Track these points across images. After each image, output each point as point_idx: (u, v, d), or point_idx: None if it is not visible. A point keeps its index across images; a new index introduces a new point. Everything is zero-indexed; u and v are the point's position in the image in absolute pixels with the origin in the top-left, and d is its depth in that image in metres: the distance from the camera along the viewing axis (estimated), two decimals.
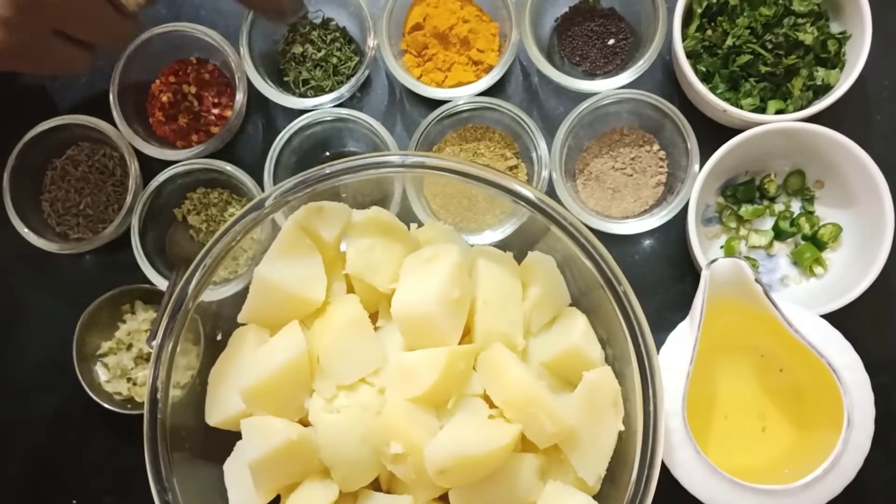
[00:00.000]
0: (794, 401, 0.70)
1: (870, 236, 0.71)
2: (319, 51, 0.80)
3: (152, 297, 0.81)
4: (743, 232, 0.78)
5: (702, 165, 0.72)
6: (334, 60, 0.80)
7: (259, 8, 0.66)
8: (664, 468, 0.60)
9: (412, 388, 0.59)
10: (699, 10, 0.75)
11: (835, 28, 0.75)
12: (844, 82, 0.72)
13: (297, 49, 0.80)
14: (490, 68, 0.77)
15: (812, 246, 0.75)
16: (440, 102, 0.76)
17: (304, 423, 0.62)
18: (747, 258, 0.77)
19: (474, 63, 0.79)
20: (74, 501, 0.81)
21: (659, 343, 0.63)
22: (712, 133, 0.75)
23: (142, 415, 0.60)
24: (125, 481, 0.80)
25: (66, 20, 0.58)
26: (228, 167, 0.77)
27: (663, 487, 0.58)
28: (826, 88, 0.74)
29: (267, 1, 0.66)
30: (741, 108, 0.73)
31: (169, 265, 0.79)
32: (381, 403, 0.60)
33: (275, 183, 0.76)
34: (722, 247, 0.77)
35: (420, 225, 0.70)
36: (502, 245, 0.68)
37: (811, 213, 0.77)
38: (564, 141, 0.75)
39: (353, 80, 0.77)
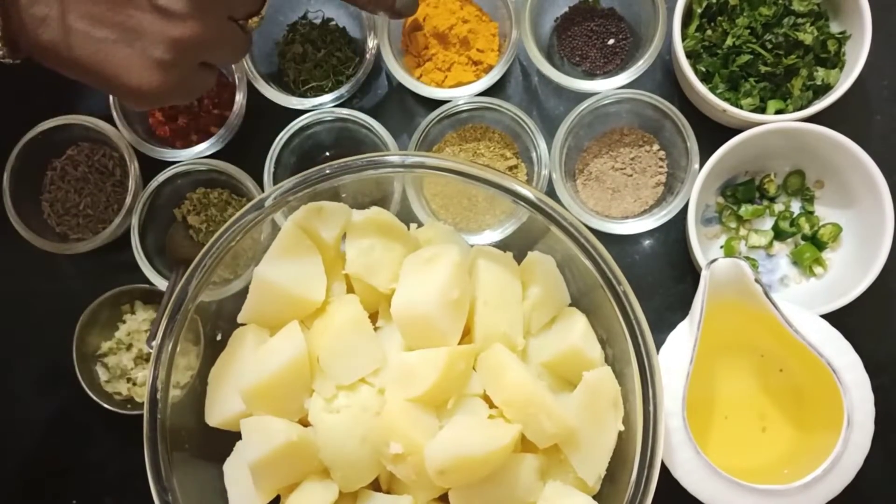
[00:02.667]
0: (794, 401, 0.70)
1: (870, 236, 0.71)
2: (319, 51, 0.80)
3: (152, 297, 0.81)
4: (743, 232, 0.78)
5: (702, 165, 0.72)
6: (334, 60, 0.80)
7: (370, 7, 0.67)
8: (664, 468, 0.60)
9: (412, 388, 0.59)
10: (699, 10, 0.75)
11: (835, 28, 0.75)
12: (844, 82, 0.72)
13: (297, 49, 0.80)
14: (490, 68, 0.77)
15: (812, 246, 0.75)
16: (440, 102, 0.76)
17: (304, 423, 0.62)
18: (747, 258, 0.77)
19: (474, 63, 0.79)
20: (74, 501, 0.81)
21: (659, 343, 0.63)
22: (712, 133, 0.75)
23: (142, 415, 0.60)
24: (125, 481, 0.80)
25: (213, 53, 0.60)
26: (228, 167, 0.77)
27: (663, 488, 0.58)
28: (826, 88, 0.74)
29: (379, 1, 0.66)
30: (741, 108, 0.73)
31: (169, 265, 0.79)
32: (380, 403, 0.60)
33: (275, 183, 0.76)
34: (722, 247, 0.77)
35: (420, 225, 0.70)
36: (502, 245, 0.68)
37: (811, 213, 0.77)
38: (564, 141, 0.75)
39: (353, 80, 0.77)
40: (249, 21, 0.62)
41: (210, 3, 0.57)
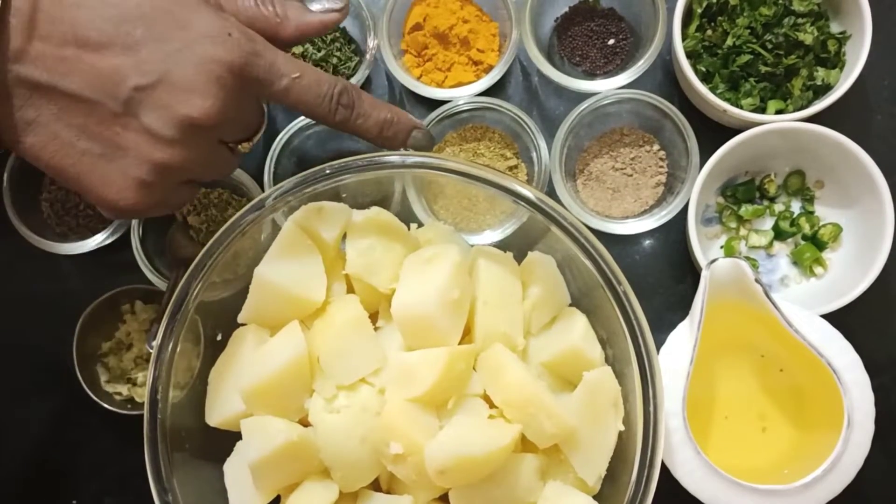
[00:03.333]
0: (794, 401, 0.70)
1: (870, 236, 0.71)
2: (319, 51, 0.80)
3: (152, 297, 0.81)
4: (743, 232, 0.78)
5: (702, 165, 0.72)
6: (334, 60, 0.80)
7: (379, 144, 0.67)
8: (664, 468, 0.60)
9: (412, 388, 0.59)
10: (699, 10, 0.75)
11: (835, 28, 0.75)
12: (844, 82, 0.72)
13: (297, 49, 0.80)
14: (490, 68, 0.77)
15: (812, 246, 0.75)
16: (440, 102, 0.76)
17: (305, 423, 0.62)
18: (747, 258, 0.77)
19: (474, 63, 0.79)
20: (74, 502, 0.81)
21: (659, 343, 0.63)
22: (712, 133, 0.75)
23: (142, 415, 0.60)
24: (125, 482, 0.80)
25: (197, 174, 0.59)
26: None
27: (663, 488, 0.58)
28: (826, 88, 0.74)
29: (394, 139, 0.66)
30: (741, 108, 0.73)
31: (169, 265, 0.79)
32: (381, 404, 0.60)
33: (275, 183, 0.76)
34: (722, 247, 0.77)
35: (420, 225, 0.70)
36: (502, 245, 0.68)
37: (811, 213, 0.77)
38: (564, 141, 0.75)
39: (353, 80, 0.77)
40: (240, 146, 0.62)
41: (199, 131, 0.56)
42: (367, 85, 0.81)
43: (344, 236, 0.65)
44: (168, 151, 0.56)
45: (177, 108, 0.55)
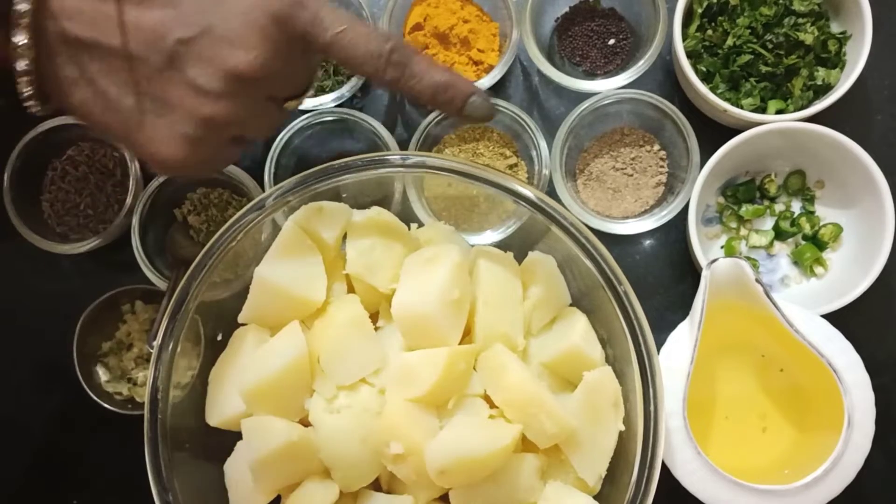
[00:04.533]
0: (794, 401, 0.70)
1: (870, 236, 0.71)
2: None
3: (152, 297, 0.80)
4: (743, 232, 0.78)
5: (702, 165, 0.72)
6: (335, 60, 0.80)
7: (433, 106, 0.63)
8: (664, 468, 0.60)
9: (412, 388, 0.59)
10: (699, 10, 0.75)
11: (835, 28, 0.75)
12: (845, 82, 0.72)
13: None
14: (490, 68, 0.77)
15: (812, 246, 0.75)
16: None
17: (305, 423, 0.62)
18: (748, 258, 0.77)
19: (474, 63, 0.79)
20: (75, 502, 0.81)
21: (659, 343, 0.63)
22: (712, 133, 0.75)
23: (142, 415, 0.60)
24: (125, 481, 0.79)
25: (244, 130, 0.58)
26: (228, 167, 0.77)
27: (664, 488, 0.58)
28: (826, 88, 0.74)
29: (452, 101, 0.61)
30: (741, 108, 0.73)
31: (169, 265, 0.79)
32: (381, 404, 0.60)
33: (275, 183, 0.76)
34: (722, 247, 0.77)
35: (420, 225, 0.70)
36: (503, 245, 0.68)
37: (811, 213, 0.77)
38: (565, 141, 0.75)
39: (353, 80, 0.77)
40: (288, 103, 0.60)
41: (246, 84, 0.55)
42: (367, 85, 0.81)
43: (344, 236, 0.65)
44: (214, 105, 0.55)
45: (222, 61, 0.54)
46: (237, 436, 0.63)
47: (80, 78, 0.54)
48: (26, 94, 0.54)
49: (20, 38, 0.52)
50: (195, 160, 0.57)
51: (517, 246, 0.68)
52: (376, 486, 0.63)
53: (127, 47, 0.53)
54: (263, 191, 0.77)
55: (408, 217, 0.69)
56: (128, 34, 0.53)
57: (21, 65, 0.53)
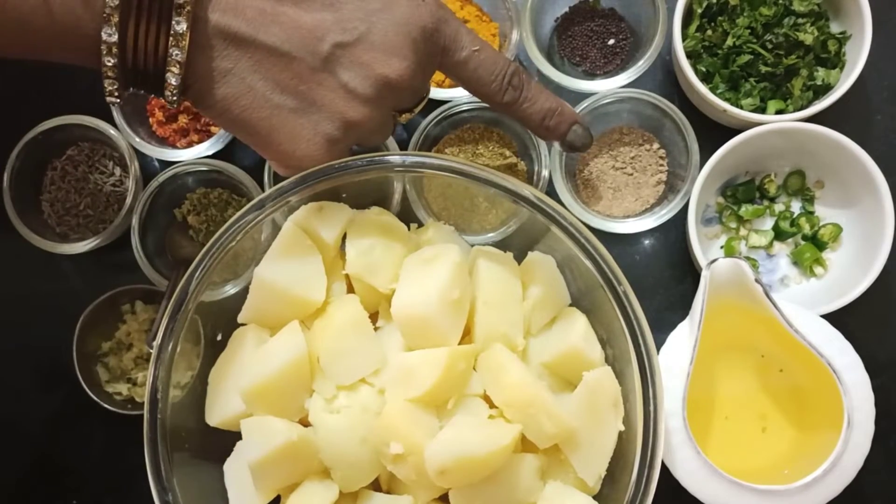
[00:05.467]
0: (794, 401, 0.70)
1: (870, 236, 0.71)
2: None
3: (152, 297, 0.81)
4: (743, 232, 0.78)
5: (702, 165, 0.72)
6: None
7: (541, 135, 0.67)
8: (664, 468, 0.60)
9: (412, 388, 0.59)
10: (699, 10, 0.75)
11: (835, 28, 0.75)
12: (844, 82, 0.72)
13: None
14: None
15: (812, 246, 0.75)
16: (440, 102, 0.76)
17: (305, 423, 0.62)
18: (747, 258, 0.77)
19: None
20: (74, 501, 0.81)
21: (659, 343, 0.63)
22: (712, 133, 0.75)
23: (142, 415, 0.60)
24: (125, 481, 0.80)
25: (369, 137, 0.60)
26: (228, 167, 0.77)
27: (663, 488, 0.58)
28: (826, 88, 0.74)
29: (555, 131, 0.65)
30: (741, 108, 0.73)
31: (169, 265, 0.79)
32: (381, 404, 0.60)
33: (274, 183, 0.76)
34: (722, 247, 0.77)
35: (420, 225, 0.70)
36: (503, 245, 0.68)
37: (811, 213, 0.77)
38: None
39: None
40: (402, 115, 0.63)
41: (388, 94, 0.57)
42: None
43: (344, 236, 0.65)
44: (361, 110, 0.56)
45: (375, 68, 0.55)
46: (237, 436, 0.63)
47: (231, 72, 0.55)
48: (172, 85, 0.54)
49: (181, 27, 0.52)
50: (327, 159, 0.58)
51: (517, 246, 0.68)
52: (376, 486, 0.63)
53: (283, 45, 0.54)
54: (263, 191, 0.77)
55: (408, 217, 0.69)
56: (286, 32, 0.54)
57: (175, 54, 0.53)
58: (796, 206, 0.78)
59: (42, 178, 0.82)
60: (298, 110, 0.56)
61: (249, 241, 0.64)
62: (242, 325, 0.66)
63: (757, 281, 0.63)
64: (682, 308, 0.71)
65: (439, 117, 0.76)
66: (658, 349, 0.60)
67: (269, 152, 0.59)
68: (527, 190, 0.61)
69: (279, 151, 0.58)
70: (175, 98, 0.55)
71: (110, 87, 0.55)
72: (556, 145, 0.70)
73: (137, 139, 0.78)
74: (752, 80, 0.74)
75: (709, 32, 0.75)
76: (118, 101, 0.56)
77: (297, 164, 0.58)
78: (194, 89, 0.56)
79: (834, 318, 0.67)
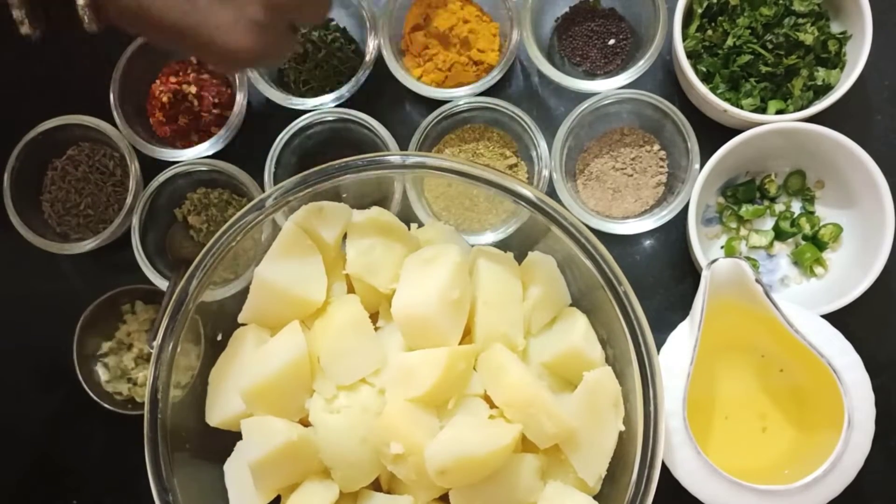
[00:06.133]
0: (794, 401, 0.70)
1: (870, 236, 0.71)
2: (320, 51, 0.79)
3: (152, 297, 0.81)
4: (743, 232, 0.78)
5: (702, 165, 0.72)
6: (335, 60, 0.80)
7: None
8: (664, 468, 0.60)
9: (412, 388, 0.59)
10: (699, 10, 0.75)
11: (835, 28, 0.75)
12: (845, 82, 0.72)
13: (298, 49, 0.80)
14: (490, 68, 0.77)
15: (812, 246, 0.75)
16: (440, 102, 0.76)
17: (305, 423, 0.62)
18: (748, 258, 0.77)
19: (474, 63, 0.79)
20: (75, 501, 0.81)
21: (659, 343, 0.63)
22: (712, 133, 0.75)
23: (142, 415, 0.60)
24: (125, 481, 0.80)
25: (301, 12, 0.59)
26: (229, 167, 0.77)
27: (664, 488, 0.58)
28: (826, 88, 0.74)
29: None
30: (741, 108, 0.73)
31: (169, 265, 0.79)
32: (381, 404, 0.60)
33: (275, 183, 0.76)
34: (722, 247, 0.77)
35: (420, 225, 0.70)
36: (503, 245, 0.68)
37: (811, 213, 0.77)
38: (565, 141, 0.75)
39: (353, 80, 0.77)
40: None
41: None
42: (367, 85, 0.81)
43: (344, 236, 0.65)
44: None
45: None
46: (237, 436, 0.63)
47: None
48: (80, 4, 0.53)
49: None
50: (262, 46, 0.57)
51: (517, 246, 0.68)
52: (376, 486, 0.63)
53: None
54: (263, 191, 0.77)
55: (408, 217, 0.69)
56: None
57: None
58: (796, 206, 0.78)
59: (42, 178, 0.82)
60: (217, 1, 0.55)
61: (250, 241, 0.64)
62: (243, 325, 0.66)
63: (757, 281, 0.63)
64: (682, 308, 0.71)
65: (439, 117, 0.76)
66: (658, 349, 0.60)
67: (202, 51, 0.57)
68: (527, 190, 0.61)
69: (213, 48, 0.56)
70: (88, 18, 0.54)
71: (19, 16, 0.54)
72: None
73: (138, 139, 0.78)
74: (752, 80, 0.74)
75: (709, 32, 0.75)
76: (34, 32, 0.54)
77: (235, 56, 0.56)
78: (110, 7, 0.54)
79: (834, 318, 0.67)
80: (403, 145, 0.78)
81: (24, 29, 0.54)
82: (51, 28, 0.55)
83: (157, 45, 0.58)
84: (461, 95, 0.76)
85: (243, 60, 0.57)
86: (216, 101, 0.80)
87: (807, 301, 0.72)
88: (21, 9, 0.53)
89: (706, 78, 0.75)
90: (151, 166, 0.79)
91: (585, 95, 0.75)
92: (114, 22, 0.55)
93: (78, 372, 0.77)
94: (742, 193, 0.77)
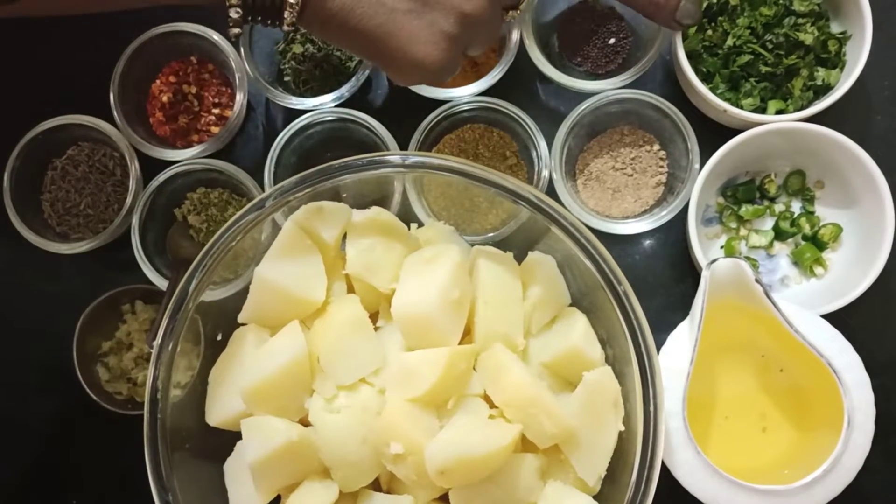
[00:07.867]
0: (794, 401, 0.70)
1: (870, 236, 0.71)
2: (320, 51, 0.80)
3: (152, 297, 0.81)
4: (743, 232, 0.78)
5: (702, 165, 0.72)
6: (334, 60, 0.80)
7: (649, 13, 0.69)
8: (664, 468, 0.60)
9: (412, 388, 0.59)
10: None
11: (835, 28, 0.75)
12: (845, 82, 0.72)
13: (298, 49, 0.80)
14: (490, 68, 0.77)
15: (812, 246, 0.75)
16: (440, 102, 0.76)
17: (305, 423, 0.62)
18: (747, 258, 0.77)
19: (474, 63, 0.79)
20: (74, 502, 0.81)
21: (659, 343, 0.63)
22: (712, 133, 0.75)
23: (142, 415, 0.60)
24: (125, 481, 0.80)
25: (482, 33, 0.62)
26: (228, 167, 0.77)
27: (663, 488, 0.58)
28: (826, 88, 0.74)
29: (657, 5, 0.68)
30: (741, 108, 0.73)
31: (169, 265, 0.79)
32: (381, 404, 0.60)
33: (275, 183, 0.76)
34: (722, 247, 0.77)
35: (420, 225, 0.70)
36: (502, 245, 0.68)
37: (811, 213, 0.77)
38: (564, 141, 0.75)
39: (353, 80, 0.77)
40: (509, 13, 0.65)
41: None
42: (367, 85, 0.81)
43: (344, 236, 0.65)
44: (474, 2, 0.58)
45: None
46: (237, 436, 0.63)
47: None
48: (291, 3, 0.56)
49: None
50: (447, 60, 0.59)
51: (517, 246, 0.68)
52: (376, 486, 0.63)
53: None
54: (263, 191, 0.77)
55: (408, 217, 0.69)
56: None
57: None
58: (796, 206, 0.78)
59: (42, 178, 0.82)
60: (412, 11, 0.57)
61: (249, 241, 0.64)
62: (242, 324, 0.66)
63: (757, 281, 0.63)
64: (682, 308, 0.71)
65: (439, 117, 0.76)
66: (658, 349, 0.60)
67: (388, 60, 0.60)
68: (527, 190, 0.61)
69: (399, 57, 0.59)
70: (294, 17, 0.57)
71: (235, 16, 0.57)
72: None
73: (138, 139, 0.78)
74: (752, 80, 0.74)
75: (709, 32, 0.75)
76: (240, 30, 0.57)
77: (418, 68, 0.59)
78: (308, 10, 0.57)
79: (834, 318, 0.67)
80: (403, 145, 0.78)
81: (234, 29, 0.58)
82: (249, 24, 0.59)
83: (345, 49, 0.66)
84: (461, 95, 0.76)
85: (426, 73, 0.60)
86: (216, 101, 0.80)
87: (807, 301, 0.72)
88: (238, 10, 0.57)
89: (706, 78, 0.75)
90: (151, 166, 0.79)
91: (585, 95, 0.75)
92: (310, 24, 0.59)
93: (78, 372, 0.77)
94: (742, 193, 0.77)
